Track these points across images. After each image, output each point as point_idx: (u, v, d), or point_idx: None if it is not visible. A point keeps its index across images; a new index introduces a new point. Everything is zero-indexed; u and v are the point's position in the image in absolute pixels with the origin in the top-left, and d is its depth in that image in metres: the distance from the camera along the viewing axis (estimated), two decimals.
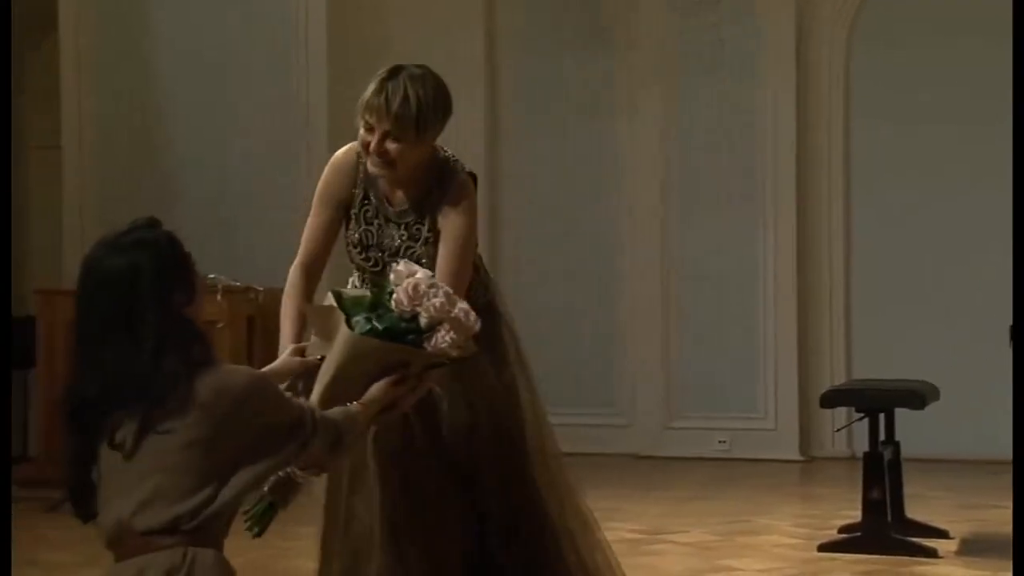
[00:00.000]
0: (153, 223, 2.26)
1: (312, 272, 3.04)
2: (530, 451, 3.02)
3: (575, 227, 7.63)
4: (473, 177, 3.00)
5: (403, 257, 2.83)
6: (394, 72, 2.85)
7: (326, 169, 3.04)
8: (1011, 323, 4.69)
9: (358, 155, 2.95)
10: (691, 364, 7.48)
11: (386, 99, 2.80)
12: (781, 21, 7.42)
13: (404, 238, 2.93)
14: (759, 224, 7.42)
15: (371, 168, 2.89)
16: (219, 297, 6.46)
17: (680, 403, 7.51)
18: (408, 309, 2.50)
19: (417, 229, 2.93)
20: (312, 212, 3.03)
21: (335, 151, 3.07)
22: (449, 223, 2.88)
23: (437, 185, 2.91)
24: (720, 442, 7.41)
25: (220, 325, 6.55)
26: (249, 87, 6.94)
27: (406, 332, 2.51)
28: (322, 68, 6.97)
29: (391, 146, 2.82)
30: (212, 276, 6.62)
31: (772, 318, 7.40)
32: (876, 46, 7.40)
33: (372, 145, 2.84)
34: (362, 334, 2.50)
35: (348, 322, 2.53)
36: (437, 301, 2.49)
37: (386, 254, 2.94)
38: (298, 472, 2.46)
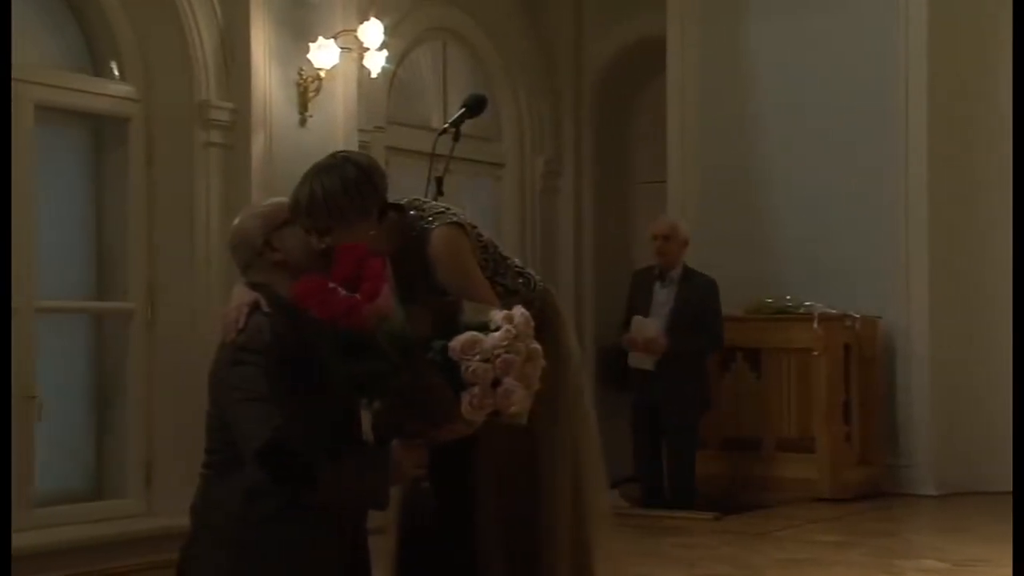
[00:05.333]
0: None
1: None
2: None
3: None
4: (458, 223, 2.83)
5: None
6: (304, 176, 2.71)
7: None
8: None
9: None
10: None
11: (295, 200, 2.67)
12: None
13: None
14: None
15: None
16: (815, 325, 6.63)
17: None
18: (456, 356, 2.49)
19: (410, 297, 2.81)
20: None
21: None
22: (445, 280, 2.80)
23: (414, 252, 2.81)
24: None
25: (816, 353, 6.63)
26: (846, 117, 7.05)
27: (446, 370, 2.50)
28: (922, 94, 6.90)
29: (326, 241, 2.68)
30: (808, 304, 6.59)
31: None
32: None
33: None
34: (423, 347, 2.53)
35: (428, 336, 2.54)
36: (478, 367, 2.47)
37: None
38: None
